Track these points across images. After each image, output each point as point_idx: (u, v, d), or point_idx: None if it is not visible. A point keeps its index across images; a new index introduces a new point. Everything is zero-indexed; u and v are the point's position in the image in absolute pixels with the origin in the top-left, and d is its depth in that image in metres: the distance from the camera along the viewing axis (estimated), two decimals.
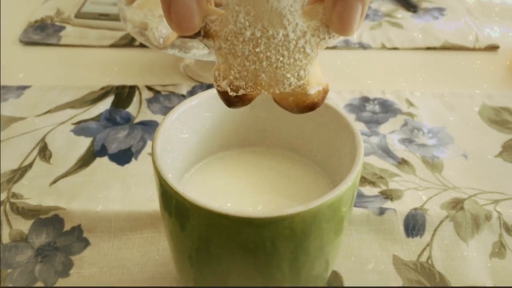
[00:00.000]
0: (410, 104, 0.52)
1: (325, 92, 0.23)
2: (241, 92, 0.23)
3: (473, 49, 0.62)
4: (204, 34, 0.22)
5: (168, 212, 0.27)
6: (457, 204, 0.41)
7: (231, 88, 0.23)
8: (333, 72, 0.56)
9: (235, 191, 0.32)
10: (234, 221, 0.24)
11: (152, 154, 0.27)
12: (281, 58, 0.22)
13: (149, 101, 0.52)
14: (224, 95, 0.23)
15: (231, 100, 0.23)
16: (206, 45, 0.22)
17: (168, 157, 0.28)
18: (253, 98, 0.23)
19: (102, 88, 0.53)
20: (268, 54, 0.22)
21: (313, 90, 0.23)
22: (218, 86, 0.23)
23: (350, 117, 0.29)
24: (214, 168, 0.33)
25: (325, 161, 0.32)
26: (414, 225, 0.39)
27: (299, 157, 0.34)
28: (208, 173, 0.33)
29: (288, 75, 0.22)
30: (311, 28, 0.21)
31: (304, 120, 0.31)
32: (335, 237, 0.28)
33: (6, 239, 0.38)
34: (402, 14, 0.69)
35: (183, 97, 0.52)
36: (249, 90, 0.23)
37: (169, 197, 0.25)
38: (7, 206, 0.40)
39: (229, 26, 0.21)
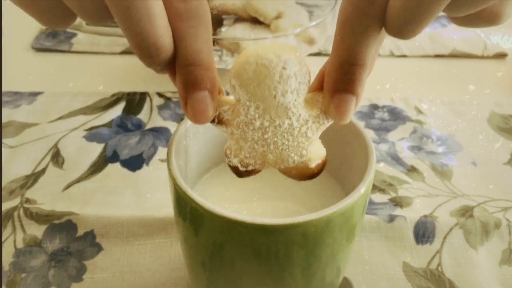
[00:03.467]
0: (419, 111, 0.52)
1: (323, 163, 0.26)
2: (250, 168, 0.25)
3: (482, 57, 0.62)
4: (218, 121, 0.24)
5: (183, 218, 0.27)
6: (466, 212, 0.41)
7: (241, 165, 0.25)
8: None
9: (247, 197, 0.32)
10: (248, 227, 0.24)
11: (167, 161, 0.27)
12: (286, 142, 0.25)
13: (160, 108, 0.52)
14: (234, 169, 0.26)
15: (241, 174, 0.26)
16: (219, 129, 0.25)
17: (182, 164, 0.29)
18: (260, 171, 0.26)
19: (113, 95, 0.54)
20: (275, 139, 0.24)
21: (313, 164, 0.25)
22: (229, 161, 0.25)
23: (361, 125, 0.30)
24: (227, 175, 0.34)
25: (336, 168, 0.33)
26: (424, 232, 0.39)
27: None
28: (221, 179, 0.34)
29: (292, 155, 0.25)
30: (312, 116, 0.24)
31: None
32: (347, 244, 0.28)
33: (20, 244, 0.38)
34: None
35: None
36: (257, 167, 0.25)
37: (184, 204, 0.26)
38: (21, 211, 0.40)
39: (240, 117, 0.24)
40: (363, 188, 0.26)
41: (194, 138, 0.31)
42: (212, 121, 0.24)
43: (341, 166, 0.32)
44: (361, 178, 0.26)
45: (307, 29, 0.48)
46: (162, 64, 0.22)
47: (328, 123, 0.25)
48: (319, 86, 0.25)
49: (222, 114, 0.24)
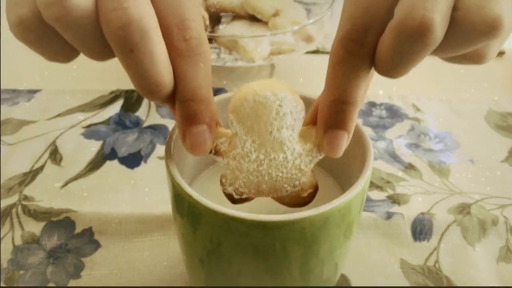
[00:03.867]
0: (417, 109, 0.52)
1: (315, 192, 0.27)
2: (244, 196, 0.26)
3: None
4: (214, 152, 0.26)
5: (181, 214, 0.27)
6: (464, 209, 0.41)
7: (235, 193, 0.26)
8: None
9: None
10: (246, 224, 0.24)
11: (165, 158, 0.27)
12: (280, 174, 0.25)
13: (158, 105, 0.52)
14: (229, 197, 0.26)
15: (234, 201, 0.26)
16: (215, 159, 0.26)
17: (180, 161, 0.29)
18: (253, 198, 0.27)
19: (112, 92, 0.54)
20: (270, 171, 0.25)
21: (305, 193, 0.26)
22: (224, 189, 0.26)
23: (359, 122, 0.30)
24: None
25: (333, 165, 0.33)
26: (421, 229, 0.39)
27: None
28: (219, 176, 0.33)
29: (286, 185, 0.26)
30: (306, 150, 0.25)
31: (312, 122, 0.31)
32: (344, 241, 0.28)
33: (18, 241, 0.38)
34: None
35: None
36: (251, 195, 0.26)
37: (182, 201, 0.26)
38: (19, 208, 0.40)
39: (237, 150, 0.25)
40: (360, 185, 0.26)
41: None
42: (209, 152, 0.25)
43: (338, 163, 0.32)
44: (358, 175, 0.26)
45: (305, 26, 0.48)
46: (163, 99, 0.23)
47: (321, 156, 0.26)
48: (312, 120, 0.26)
49: (219, 145, 0.25)
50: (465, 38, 0.21)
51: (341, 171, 0.32)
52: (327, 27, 0.53)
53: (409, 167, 0.45)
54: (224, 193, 0.26)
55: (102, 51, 0.22)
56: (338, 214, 0.25)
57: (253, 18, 0.51)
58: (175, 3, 0.22)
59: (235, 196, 0.26)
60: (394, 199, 0.42)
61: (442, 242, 0.38)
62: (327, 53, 0.61)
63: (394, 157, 0.46)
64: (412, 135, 0.49)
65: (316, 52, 0.60)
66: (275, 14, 0.50)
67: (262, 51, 0.48)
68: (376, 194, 0.42)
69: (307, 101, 0.32)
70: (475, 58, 0.23)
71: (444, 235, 0.39)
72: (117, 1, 0.20)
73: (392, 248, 0.38)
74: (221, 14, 0.53)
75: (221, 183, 0.26)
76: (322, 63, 0.59)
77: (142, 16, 0.21)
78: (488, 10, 0.20)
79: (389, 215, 0.40)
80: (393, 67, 0.22)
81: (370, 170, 0.27)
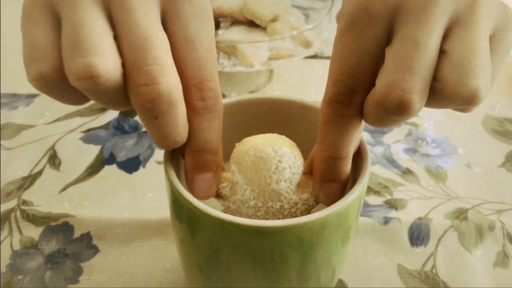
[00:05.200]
0: None
1: None
2: None
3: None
4: (216, 195, 0.27)
5: (179, 220, 0.27)
6: (461, 214, 0.41)
7: None
8: None
9: None
10: (243, 229, 0.24)
11: (164, 163, 0.27)
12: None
13: None
14: None
15: None
16: (217, 201, 0.27)
17: (179, 166, 0.29)
18: None
19: None
20: (267, 217, 0.27)
21: None
22: None
23: None
24: None
25: None
26: (418, 234, 0.39)
27: None
28: None
29: None
30: (302, 199, 0.27)
31: (310, 127, 0.32)
32: (342, 247, 0.28)
33: (17, 246, 0.38)
34: None
35: None
36: None
37: (180, 206, 0.26)
38: (18, 213, 0.41)
39: (237, 196, 0.26)
40: (358, 191, 0.26)
41: None
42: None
43: None
44: (356, 180, 0.27)
45: (303, 32, 0.49)
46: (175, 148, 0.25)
47: (317, 205, 0.27)
48: (309, 170, 0.27)
49: (221, 189, 0.27)
50: (444, 104, 0.22)
51: None
52: (325, 33, 0.53)
53: (406, 172, 0.45)
54: None
55: (122, 107, 0.23)
56: (335, 219, 0.25)
57: (251, 24, 0.52)
58: (196, 66, 0.23)
59: None
60: (392, 204, 0.42)
61: (439, 247, 0.39)
62: (325, 58, 0.61)
63: (391, 162, 0.47)
64: (410, 140, 0.49)
65: (314, 57, 0.61)
66: (274, 20, 0.50)
67: (260, 57, 0.48)
68: (373, 199, 0.42)
69: (305, 107, 0.32)
70: (461, 110, 0.23)
71: (441, 240, 0.39)
72: (148, 77, 0.21)
73: (389, 253, 0.38)
74: (220, 19, 0.54)
75: None
76: (320, 68, 0.59)
77: (171, 89, 0.21)
78: (466, 86, 0.20)
79: (386, 220, 0.40)
80: (380, 125, 0.23)
81: (367, 176, 0.27)
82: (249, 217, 0.26)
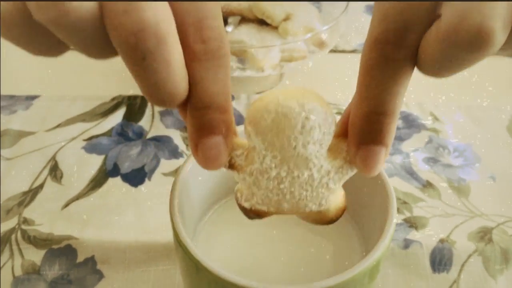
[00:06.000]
0: (435, 118, 0.49)
1: (342, 211, 0.24)
2: (261, 212, 0.23)
3: (499, 55, 0.59)
4: (229, 166, 0.22)
5: (185, 270, 0.25)
6: (485, 235, 0.39)
7: (252, 209, 0.23)
8: (353, 79, 0.54)
9: (254, 237, 0.30)
10: None
11: (169, 208, 0.25)
12: (304, 193, 0.22)
13: (162, 114, 0.50)
14: (244, 211, 0.24)
15: (250, 217, 0.24)
16: (230, 172, 0.23)
17: (187, 199, 0.27)
18: (272, 215, 0.23)
19: (113, 99, 0.52)
20: (292, 189, 0.22)
21: (332, 212, 0.23)
22: (240, 204, 0.23)
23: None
24: (236, 208, 0.32)
25: (350, 205, 0.31)
26: (440, 259, 0.37)
27: None
28: (229, 213, 0.32)
29: (310, 204, 0.23)
30: (335, 167, 0.22)
31: None
32: None
33: (18, 271, 0.36)
34: None
35: None
36: (270, 213, 0.23)
37: (188, 261, 0.24)
38: (19, 234, 0.39)
39: (254, 165, 0.22)
40: (384, 246, 0.24)
41: (199, 174, 0.29)
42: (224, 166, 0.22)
43: (355, 203, 0.30)
44: (381, 232, 0.24)
45: (318, 33, 0.45)
46: (174, 107, 0.20)
47: (352, 173, 0.23)
48: (343, 130, 0.22)
49: (234, 158, 0.22)
50: None
51: (358, 212, 0.30)
52: (342, 30, 0.49)
53: (427, 185, 0.43)
54: (239, 206, 0.24)
55: (102, 51, 0.19)
56: (361, 277, 0.23)
57: (261, 22, 0.48)
58: (193, 1, 0.19)
59: (251, 215, 0.23)
60: (412, 223, 0.40)
61: (462, 274, 0.36)
62: (340, 52, 0.58)
63: (411, 173, 0.44)
64: (430, 148, 0.46)
65: (331, 51, 0.57)
66: (286, 19, 0.47)
67: (272, 59, 0.45)
68: None
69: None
70: None
71: (464, 266, 0.37)
72: (129, 2, 0.17)
73: (410, 279, 0.36)
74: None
75: (236, 199, 0.24)
76: (335, 64, 0.56)
77: (159, 20, 0.17)
78: None
79: (406, 244, 0.37)
80: (440, 72, 0.19)
81: (393, 227, 0.24)
82: (270, 191, 0.22)
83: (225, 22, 0.50)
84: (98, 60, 0.20)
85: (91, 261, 0.37)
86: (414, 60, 0.19)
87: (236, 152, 0.22)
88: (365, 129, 0.21)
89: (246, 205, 0.23)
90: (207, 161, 0.21)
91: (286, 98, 0.21)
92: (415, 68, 0.20)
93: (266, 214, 0.23)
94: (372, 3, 0.65)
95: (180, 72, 0.19)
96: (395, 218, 0.25)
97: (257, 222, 0.30)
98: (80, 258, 0.37)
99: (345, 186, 0.30)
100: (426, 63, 0.19)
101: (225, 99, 0.20)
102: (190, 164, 0.28)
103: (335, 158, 0.22)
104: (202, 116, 0.20)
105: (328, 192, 0.23)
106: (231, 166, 0.22)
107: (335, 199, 0.23)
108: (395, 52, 0.19)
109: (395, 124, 0.21)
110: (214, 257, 0.29)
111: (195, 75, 0.19)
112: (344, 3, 0.48)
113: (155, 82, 0.18)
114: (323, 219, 0.24)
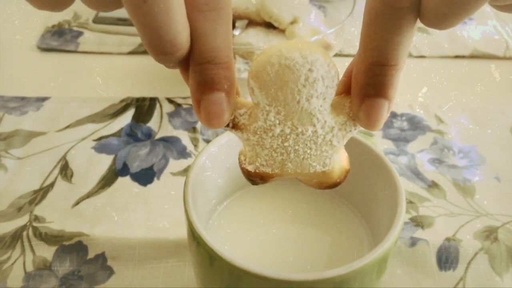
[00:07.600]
0: (440, 120, 0.50)
1: (347, 172, 0.24)
2: (265, 175, 0.23)
3: (503, 58, 0.60)
4: (232, 126, 0.22)
5: (199, 259, 0.26)
6: (491, 234, 0.39)
7: (256, 172, 0.23)
8: None
9: (266, 230, 0.31)
10: (271, 282, 0.23)
11: (184, 201, 0.26)
12: (308, 151, 0.22)
13: (170, 115, 0.51)
14: (247, 174, 0.23)
15: (254, 181, 0.24)
16: (233, 133, 0.23)
17: (200, 193, 0.27)
18: (275, 178, 0.24)
19: (122, 101, 0.52)
20: (296, 147, 0.22)
21: (336, 174, 0.23)
22: (243, 168, 0.23)
23: (389, 161, 0.28)
24: (247, 202, 0.32)
25: (358, 199, 0.31)
26: (447, 257, 0.37)
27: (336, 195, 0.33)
28: (240, 207, 0.32)
29: (314, 164, 0.23)
30: (339, 123, 0.22)
31: None
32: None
33: (29, 267, 0.37)
34: None
35: None
36: (274, 175, 0.23)
37: (202, 252, 0.24)
38: (30, 230, 0.39)
39: (258, 122, 0.22)
40: (393, 237, 0.24)
41: (212, 168, 0.30)
42: (226, 126, 0.22)
43: (363, 197, 0.30)
44: (390, 226, 0.25)
45: (324, 36, 0.46)
46: (176, 62, 0.20)
47: (356, 130, 0.23)
48: (345, 89, 0.23)
49: (237, 118, 0.22)
50: None
51: (367, 207, 0.31)
52: (347, 33, 0.50)
53: (432, 185, 0.43)
54: (243, 170, 0.24)
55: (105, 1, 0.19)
56: (370, 268, 0.24)
57: (269, 25, 0.49)
58: None
59: (255, 178, 0.23)
60: (418, 222, 0.40)
61: (468, 272, 0.37)
62: (344, 56, 0.59)
63: (416, 174, 0.44)
64: (435, 149, 0.47)
65: (336, 55, 0.58)
66: (293, 22, 0.47)
67: None
68: None
69: None
70: None
71: (470, 264, 0.37)
72: None
73: (416, 277, 0.37)
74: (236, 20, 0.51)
75: (239, 162, 0.24)
76: (341, 66, 0.57)
77: None
78: None
79: (413, 242, 0.38)
80: (444, 19, 0.19)
81: (401, 222, 0.25)
82: (274, 149, 0.22)
83: (233, 26, 0.51)
84: (103, 11, 0.20)
85: (101, 258, 0.38)
86: (418, 9, 0.19)
87: (240, 111, 0.22)
88: (368, 81, 0.21)
89: (250, 168, 0.23)
90: (209, 118, 0.21)
91: (289, 50, 0.20)
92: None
93: (270, 176, 0.23)
94: None
95: (181, 20, 0.19)
96: (404, 211, 0.25)
97: (268, 217, 0.31)
98: (91, 255, 0.38)
99: (353, 181, 0.31)
100: (432, 12, 0.19)
101: (226, 55, 0.20)
102: (202, 160, 0.29)
103: (338, 115, 0.22)
104: (204, 72, 0.20)
105: (332, 151, 0.23)
106: (235, 126, 0.22)
107: (339, 159, 0.23)
108: (399, 1, 0.19)
109: (399, 77, 0.21)
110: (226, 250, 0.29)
111: (196, 27, 0.19)
112: (350, 7, 0.49)
113: (156, 28, 0.18)
114: (327, 181, 0.24)
